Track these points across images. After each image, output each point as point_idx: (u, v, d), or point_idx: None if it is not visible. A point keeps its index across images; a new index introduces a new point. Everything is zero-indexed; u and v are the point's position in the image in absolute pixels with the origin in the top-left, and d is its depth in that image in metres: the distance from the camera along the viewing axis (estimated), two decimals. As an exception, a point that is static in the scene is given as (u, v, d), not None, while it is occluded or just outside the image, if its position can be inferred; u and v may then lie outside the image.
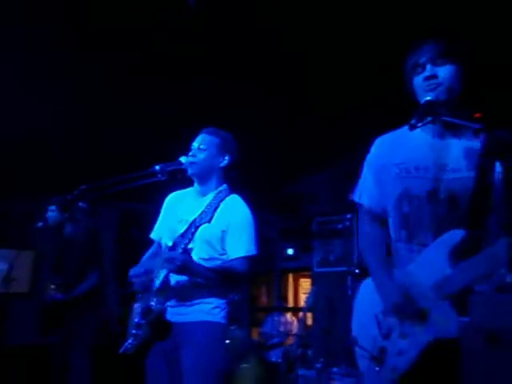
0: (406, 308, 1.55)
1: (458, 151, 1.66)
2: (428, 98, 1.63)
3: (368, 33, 3.64)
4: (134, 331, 2.27)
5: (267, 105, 4.61)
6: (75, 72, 4.04)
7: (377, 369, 1.58)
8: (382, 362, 1.58)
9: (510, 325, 1.03)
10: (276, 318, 6.84)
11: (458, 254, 1.49)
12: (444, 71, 1.70)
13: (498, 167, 1.52)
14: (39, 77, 4.04)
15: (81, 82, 4.18)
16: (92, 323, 4.23)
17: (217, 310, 2.33)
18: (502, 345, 1.17)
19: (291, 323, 6.86)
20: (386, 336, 1.60)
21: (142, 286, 2.34)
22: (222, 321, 2.34)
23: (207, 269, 2.29)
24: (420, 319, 1.49)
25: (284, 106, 4.68)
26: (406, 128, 1.83)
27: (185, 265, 2.21)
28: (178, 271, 2.23)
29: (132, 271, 2.38)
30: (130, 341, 2.26)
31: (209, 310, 2.32)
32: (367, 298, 1.77)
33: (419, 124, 1.71)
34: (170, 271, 2.25)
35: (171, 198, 2.64)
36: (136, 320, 2.29)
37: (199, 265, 2.30)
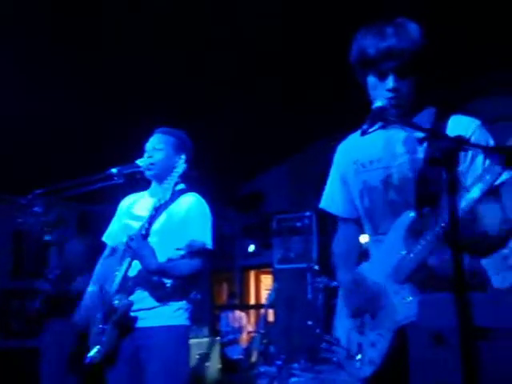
0: (363, 308, 1.59)
1: (403, 138, 1.68)
2: (379, 105, 1.58)
3: (317, 27, 3.67)
4: (97, 338, 2.21)
5: (224, 103, 4.62)
6: (32, 75, 3.95)
7: (357, 365, 1.59)
8: (360, 358, 1.58)
9: (453, 324, 1.08)
10: (230, 315, 6.91)
11: (411, 235, 1.54)
12: (407, 86, 1.61)
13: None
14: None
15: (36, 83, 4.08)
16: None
17: (179, 312, 2.29)
18: (446, 344, 1.23)
19: (241, 318, 6.94)
20: (361, 331, 1.61)
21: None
22: (186, 322, 2.31)
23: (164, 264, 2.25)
24: (379, 311, 1.53)
25: (240, 103, 4.70)
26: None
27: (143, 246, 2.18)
28: (138, 247, 2.18)
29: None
30: (95, 349, 2.19)
31: (171, 312, 2.27)
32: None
33: (370, 130, 1.75)
34: (130, 240, 2.19)
35: (126, 201, 2.60)
36: (98, 326, 2.22)
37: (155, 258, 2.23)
